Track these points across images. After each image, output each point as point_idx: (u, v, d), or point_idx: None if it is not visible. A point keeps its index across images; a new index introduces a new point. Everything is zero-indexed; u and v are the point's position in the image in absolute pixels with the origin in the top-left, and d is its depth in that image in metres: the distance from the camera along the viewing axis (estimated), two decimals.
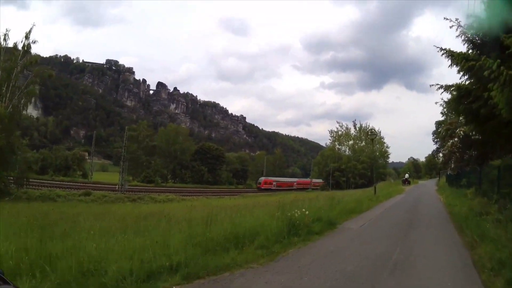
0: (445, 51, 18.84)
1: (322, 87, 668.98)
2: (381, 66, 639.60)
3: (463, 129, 40.62)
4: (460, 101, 20.23)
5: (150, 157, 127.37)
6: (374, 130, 45.28)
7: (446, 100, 22.79)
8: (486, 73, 14.17)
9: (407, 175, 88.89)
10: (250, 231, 14.01)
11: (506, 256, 10.39)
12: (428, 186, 77.62)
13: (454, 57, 18.36)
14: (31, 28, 55.89)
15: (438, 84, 20.37)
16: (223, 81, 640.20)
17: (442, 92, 20.46)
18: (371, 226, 20.66)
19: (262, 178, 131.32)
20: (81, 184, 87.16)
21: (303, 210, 17.21)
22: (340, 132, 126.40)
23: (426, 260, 12.27)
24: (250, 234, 13.76)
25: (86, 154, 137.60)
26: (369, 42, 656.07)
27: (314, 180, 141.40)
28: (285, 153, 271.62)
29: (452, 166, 55.58)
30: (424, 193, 54.31)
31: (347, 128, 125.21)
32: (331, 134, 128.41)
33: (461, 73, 18.90)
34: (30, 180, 62.66)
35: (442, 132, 56.96)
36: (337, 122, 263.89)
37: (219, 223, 14.57)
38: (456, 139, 46.78)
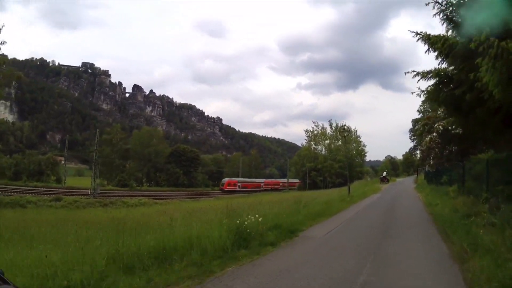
0: (421, 35, 17.00)
1: (298, 87, 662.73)
2: (357, 67, 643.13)
3: (442, 123, 38.47)
4: (440, 89, 17.95)
5: (124, 161, 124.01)
6: (348, 127, 41.68)
7: (423, 90, 19.39)
8: (472, 45, 11.97)
9: (385, 173, 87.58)
10: (184, 243, 11.76)
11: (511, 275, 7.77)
12: (406, 183, 75.50)
13: (432, 40, 16.51)
14: (0, 29, 53.35)
15: (414, 71, 17.93)
16: (200, 83, 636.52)
17: (418, 80, 17.97)
18: (338, 233, 17.75)
19: (225, 179, 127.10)
20: (54, 189, 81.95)
21: (257, 216, 14.85)
22: (316, 132, 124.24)
23: (405, 281, 9.37)
24: (183, 247, 11.56)
25: (61, 159, 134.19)
26: (345, 43, 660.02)
27: (291, 180, 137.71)
28: (262, 154, 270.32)
29: (431, 162, 52.61)
30: (402, 191, 51.96)
31: (323, 127, 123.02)
32: (307, 134, 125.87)
33: (440, 58, 16.86)
34: (2, 186, 63.51)
35: (419, 128, 55.31)
36: (313, 122, 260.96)
37: (152, 232, 12.62)
38: (434, 134, 44.25)
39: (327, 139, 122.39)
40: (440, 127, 41.17)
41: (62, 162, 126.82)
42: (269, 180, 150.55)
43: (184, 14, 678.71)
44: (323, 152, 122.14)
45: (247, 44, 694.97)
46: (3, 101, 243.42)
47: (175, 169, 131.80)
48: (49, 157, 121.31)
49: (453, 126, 33.54)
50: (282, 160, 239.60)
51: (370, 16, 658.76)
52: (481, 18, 12.21)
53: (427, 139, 47.37)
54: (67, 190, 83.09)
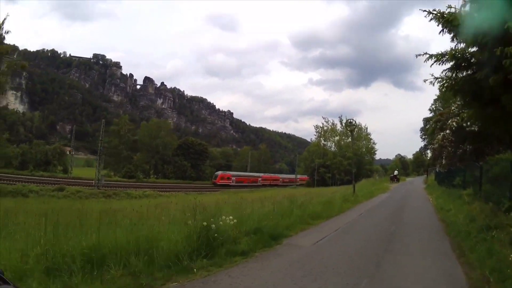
0: (434, 14, 14.29)
1: (310, 83, 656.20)
2: (369, 64, 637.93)
3: (456, 120, 35.40)
4: (457, 74, 15.24)
5: (132, 152, 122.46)
6: (354, 121, 37.22)
7: (437, 77, 16.22)
8: None
9: (396, 172, 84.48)
10: (129, 246, 9.43)
11: None
12: (416, 184, 72.31)
13: (446, 19, 13.94)
14: (4, 19, 52.15)
15: (426, 54, 15.18)
16: (211, 76, 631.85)
17: (432, 64, 15.16)
18: (330, 243, 14.47)
19: (218, 173, 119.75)
20: (59, 179, 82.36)
21: (230, 217, 12.35)
22: (326, 128, 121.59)
23: None
24: (128, 251, 9.23)
25: (68, 149, 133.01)
26: (358, 40, 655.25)
27: (299, 176, 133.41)
28: (272, 149, 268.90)
29: (443, 162, 49.04)
30: (411, 192, 48.84)
31: (333, 123, 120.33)
32: (316, 130, 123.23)
33: (457, 39, 14.18)
34: (8, 175, 67.04)
35: (431, 125, 52.64)
36: (323, 118, 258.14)
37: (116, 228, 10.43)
38: (447, 131, 40.52)
39: (337, 136, 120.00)
40: (454, 123, 37.25)
41: (72, 152, 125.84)
42: (267, 175, 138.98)
43: (196, 7, 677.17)
44: (332, 149, 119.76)
45: (259, 38, 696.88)
46: (14, 92, 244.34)
47: (183, 162, 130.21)
48: (56, 147, 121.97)
49: (469, 123, 30.72)
50: (292, 155, 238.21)
51: (383, 14, 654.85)
52: None
53: (439, 136, 43.59)
54: (72, 180, 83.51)
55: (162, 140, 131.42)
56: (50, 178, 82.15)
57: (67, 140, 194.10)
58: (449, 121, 39.91)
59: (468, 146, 37.78)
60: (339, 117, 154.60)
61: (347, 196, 33.55)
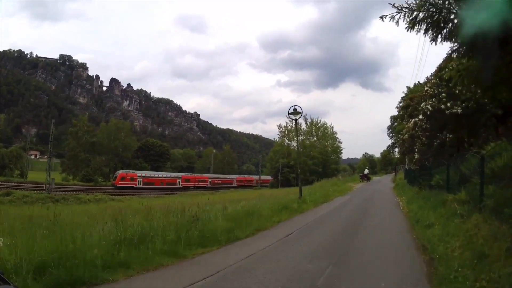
0: None
1: (278, 85, 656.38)
2: (337, 65, 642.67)
3: (431, 101, 28.51)
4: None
5: (90, 155, 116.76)
6: (299, 107, 29.09)
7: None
8: None
9: (366, 171, 78.06)
10: None
11: None
12: (383, 183, 65.02)
13: None
14: None
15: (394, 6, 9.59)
16: (179, 78, 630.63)
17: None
18: None
19: (119, 172, 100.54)
20: (11, 184, 76.46)
21: None
22: (289, 127, 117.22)
23: None
24: None
25: (36, 153, 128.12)
26: (326, 41, 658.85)
27: (263, 177, 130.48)
28: (240, 150, 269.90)
29: (415, 156, 40.20)
30: (377, 194, 39.74)
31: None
32: (280, 129, 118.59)
33: None
34: None
35: (400, 111, 48.14)
36: (287, 117, 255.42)
37: None
38: (420, 117, 32.39)
39: (301, 135, 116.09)
40: (429, 106, 28.29)
41: (36, 156, 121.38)
42: (192, 175, 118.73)
43: (166, 9, 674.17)
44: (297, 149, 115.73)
45: (227, 40, 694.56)
46: None
47: (143, 164, 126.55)
48: (12, 151, 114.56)
49: (449, 104, 25.04)
50: (260, 156, 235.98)
51: (352, 16, 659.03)
52: None
53: (410, 124, 36.10)
54: (25, 184, 78.44)
55: (121, 141, 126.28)
56: (4, 183, 75.19)
57: (33, 143, 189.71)
58: (422, 104, 31.06)
59: (447, 135, 28.80)
60: (304, 116, 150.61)
61: (288, 203, 25.75)
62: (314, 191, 37.02)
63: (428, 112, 29.45)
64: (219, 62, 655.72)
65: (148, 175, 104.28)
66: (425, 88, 31.65)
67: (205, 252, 12.46)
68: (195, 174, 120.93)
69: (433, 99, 27.76)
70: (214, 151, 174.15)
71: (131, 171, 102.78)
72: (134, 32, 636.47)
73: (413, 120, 36.18)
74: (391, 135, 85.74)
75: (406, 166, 55.61)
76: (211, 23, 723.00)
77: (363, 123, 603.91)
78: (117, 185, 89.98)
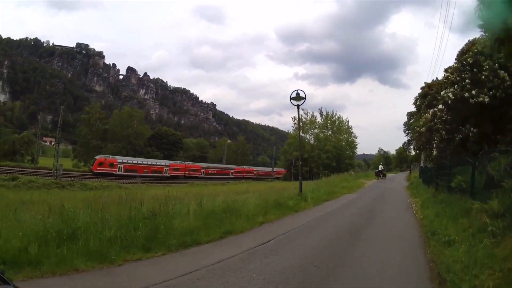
0: None
1: (295, 78, 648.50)
2: (355, 60, 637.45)
3: (453, 89, 24.11)
4: None
5: (102, 142, 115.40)
6: (303, 92, 25.69)
7: None
8: None
9: (381, 167, 74.68)
10: None
11: None
12: (397, 180, 62.20)
13: None
14: None
15: None
16: (196, 68, 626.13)
17: None
18: None
19: (98, 157, 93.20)
20: (22, 169, 75.96)
21: None
22: (304, 119, 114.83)
23: None
24: None
25: (52, 140, 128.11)
26: (344, 35, 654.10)
27: (265, 169, 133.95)
28: (255, 142, 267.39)
29: (433, 153, 34.97)
30: (388, 193, 35.90)
31: (313, 115, 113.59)
32: (294, 121, 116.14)
33: None
34: None
35: (417, 101, 44.98)
36: (302, 110, 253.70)
37: None
38: (440, 106, 27.73)
39: (316, 128, 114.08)
40: (450, 94, 25.03)
41: (51, 142, 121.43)
42: (180, 163, 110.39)
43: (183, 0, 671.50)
44: (312, 142, 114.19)
45: (245, 32, 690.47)
46: None
47: (155, 152, 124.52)
48: (23, 137, 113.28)
49: (474, 92, 21.97)
50: (275, 148, 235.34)
51: (370, 11, 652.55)
52: None
53: (428, 115, 31.39)
54: (35, 170, 77.40)
55: (134, 129, 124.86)
56: (13, 168, 75.63)
57: (48, 130, 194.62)
58: (442, 92, 26.83)
59: (471, 129, 24.26)
60: (319, 109, 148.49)
61: (284, 199, 22.51)
62: (319, 186, 33.84)
63: (449, 101, 24.80)
64: (237, 53, 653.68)
65: (130, 161, 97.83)
66: (446, 75, 28.29)
67: (142, 258, 10.10)
68: (186, 163, 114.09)
69: (455, 86, 24.32)
70: (229, 141, 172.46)
71: (111, 156, 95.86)
72: (151, 22, 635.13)
73: (431, 110, 31.61)
74: (407, 132, 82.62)
75: (422, 164, 52.73)
76: (228, 14, 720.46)
77: (379, 119, 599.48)
78: (95, 171, 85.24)
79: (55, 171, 69.80)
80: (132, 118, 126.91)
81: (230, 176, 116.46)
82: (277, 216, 18.34)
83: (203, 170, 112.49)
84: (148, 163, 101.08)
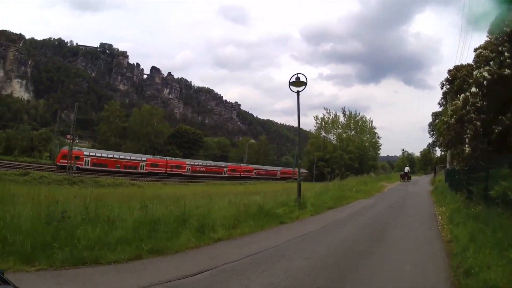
0: None
1: (320, 78, 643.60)
2: (379, 60, 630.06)
3: (487, 68, 19.67)
4: None
5: (121, 140, 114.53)
6: (304, 76, 22.80)
7: None
8: None
9: (407, 169, 70.55)
10: None
11: None
12: (421, 184, 57.23)
13: None
14: None
15: None
16: (220, 68, 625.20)
17: None
18: None
19: (63, 149, 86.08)
20: (36, 165, 78.12)
21: None
22: (327, 119, 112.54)
23: None
24: None
25: (69, 137, 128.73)
26: (368, 35, 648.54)
27: (285, 169, 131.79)
28: (279, 142, 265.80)
29: (466, 149, 28.30)
30: (410, 199, 27.54)
31: (335, 115, 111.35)
32: (316, 121, 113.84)
33: None
34: None
35: (443, 86, 40.91)
36: (324, 109, 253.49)
37: None
38: (473, 89, 22.70)
39: (338, 128, 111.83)
40: (485, 74, 19.90)
41: (75, 140, 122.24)
42: (160, 159, 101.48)
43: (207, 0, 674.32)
44: (334, 142, 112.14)
45: (270, 32, 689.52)
46: (19, 80, 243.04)
47: (175, 151, 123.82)
48: (42, 133, 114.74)
49: None
50: (295, 148, 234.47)
51: (394, 10, 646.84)
52: None
53: (459, 102, 25.80)
54: (49, 166, 79.91)
55: (153, 128, 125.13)
56: (29, 164, 78.48)
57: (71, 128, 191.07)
58: (475, 72, 21.75)
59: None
60: (342, 108, 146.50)
61: (274, 206, 17.80)
62: (328, 190, 28.73)
63: (485, 82, 20.70)
64: (261, 53, 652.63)
65: (99, 154, 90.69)
66: (477, 52, 23.91)
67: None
68: (168, 158, 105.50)
69: (491, 63, 20.45)
70: (252, 140, 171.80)
71: (78, 148, 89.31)
72: (175, 22, 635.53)
73: (462, 95, 26.32)
74: (431, 132, 79.69)
75: (448, 166, 48.55)
76: (252, 14, 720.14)
77: (404, 120, 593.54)
78: (58, 163, 79.44)
79: (69, 167, 69.01)
80: (152, 116, 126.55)
81: (224, 175, 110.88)
82: (251, 229, 13.76)
83: (189, 167, 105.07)
84: (121, 157, 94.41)
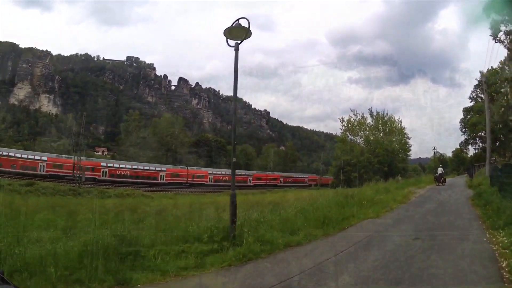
0: None
1: (349, 81, 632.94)
2: (407, 60, 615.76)
3: None
4: None
5: (140, 150, 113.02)
6: (246, 21, 18.00)
7: None
8: None
9: (440, 169, 64.00)
10: None
11: None
12: (456, 187, 46.84)
13: None
14: None
15: None
16: (249, 76, 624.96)
17: None
18: None
19: None
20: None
21: None
22: (353, 121, 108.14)
23: None
24: None
25: (104, 149, 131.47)
26: (394, 35, 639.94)
27: (308, 175, 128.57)
28: (309, 148, 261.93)
29: None
30: (446, 213, 21.67)
31: (362, 117, 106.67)
32: (342, 123, 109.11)
33: None
34: None
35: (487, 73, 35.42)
36: (351, 110, 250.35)
37: None
38: None
39: (366, 130, 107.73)
40: None
41: (104, 152, 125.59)
42: (62, 158, 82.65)
43: (233, 8, 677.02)
44: (361, 145, 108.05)
45: (296, 38, 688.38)
46: (47, 95, 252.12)
47: (197, 160, 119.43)
48: (59, 145, 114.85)
49: None
50: (330, 154, 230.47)
51: (418, 7, 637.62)
52: None
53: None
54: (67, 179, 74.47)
55: (174, 136, 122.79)
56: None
57: (101, 141, 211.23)
58: None
59: None
60: (369, 109, 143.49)
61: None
62: (317, 206, 20.20)
63: None
64: (289, 60, 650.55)
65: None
66: None
67: None
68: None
69: None
70: (282, 147, 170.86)
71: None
72: (201, 33, 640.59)
73: None
74: (463, 129, 73.18)
75: (487, 168, 42.40)
76: (279, 21, 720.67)
77: (434, 120, 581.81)
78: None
79: (77, 178, 68.20)
80: (172, 125, 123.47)
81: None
82: None
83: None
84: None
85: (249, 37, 14.93)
